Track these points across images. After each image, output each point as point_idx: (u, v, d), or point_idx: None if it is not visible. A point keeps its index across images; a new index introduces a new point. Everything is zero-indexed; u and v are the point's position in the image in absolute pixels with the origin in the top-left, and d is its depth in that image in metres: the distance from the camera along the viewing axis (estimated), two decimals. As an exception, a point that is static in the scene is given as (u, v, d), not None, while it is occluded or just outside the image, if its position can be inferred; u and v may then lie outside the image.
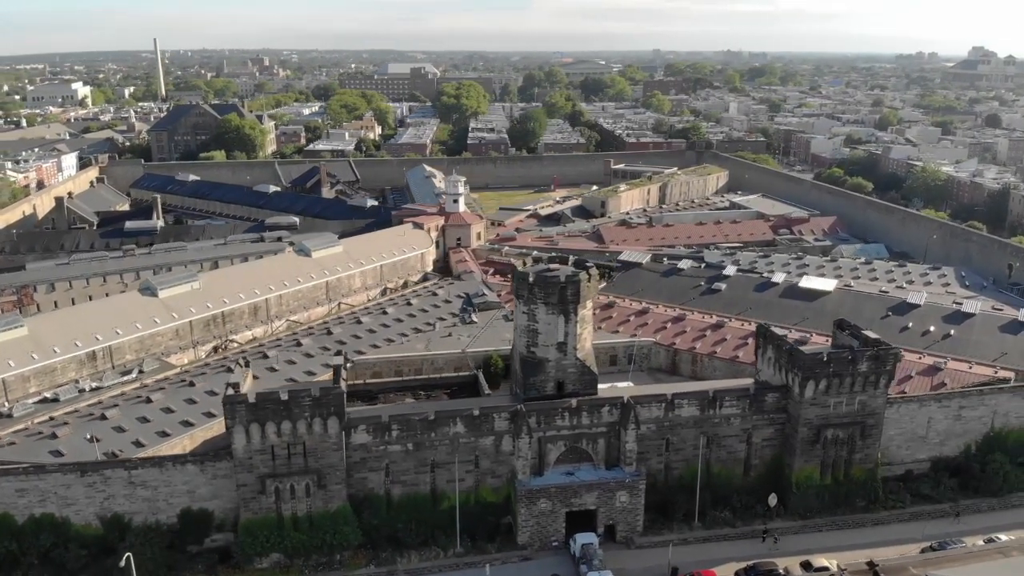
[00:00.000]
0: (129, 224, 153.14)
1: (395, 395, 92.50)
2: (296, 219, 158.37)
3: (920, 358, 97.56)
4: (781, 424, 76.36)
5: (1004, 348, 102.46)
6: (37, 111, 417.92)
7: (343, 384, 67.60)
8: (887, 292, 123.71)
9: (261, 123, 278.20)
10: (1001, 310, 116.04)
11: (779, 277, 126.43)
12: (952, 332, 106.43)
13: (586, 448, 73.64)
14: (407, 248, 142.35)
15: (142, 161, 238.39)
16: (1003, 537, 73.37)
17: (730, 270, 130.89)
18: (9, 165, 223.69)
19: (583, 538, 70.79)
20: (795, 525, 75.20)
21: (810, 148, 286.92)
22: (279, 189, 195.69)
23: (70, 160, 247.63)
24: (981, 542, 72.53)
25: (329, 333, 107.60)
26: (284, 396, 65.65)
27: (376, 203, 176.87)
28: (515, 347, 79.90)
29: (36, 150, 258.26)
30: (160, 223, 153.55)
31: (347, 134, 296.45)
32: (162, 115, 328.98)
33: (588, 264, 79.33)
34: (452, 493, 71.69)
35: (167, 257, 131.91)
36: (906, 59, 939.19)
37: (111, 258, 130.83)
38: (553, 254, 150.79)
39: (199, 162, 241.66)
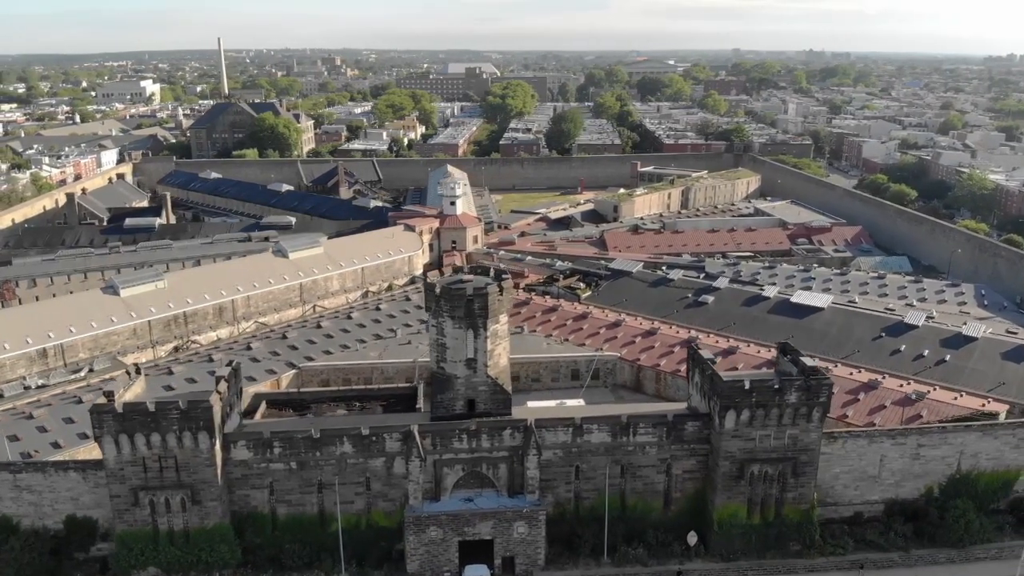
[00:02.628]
0: (129, 221, 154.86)
1: (328, 406, 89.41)
2: (292, 219, 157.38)
3: (902, 385, 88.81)
4: (704, 456, 69.73)
5: (1003, 377, 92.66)
6: (103, 107, 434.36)
7: (217, 397, 64.23)
8: (893, 310, 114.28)
9: (298, 122, 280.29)
10: (1016, 333, 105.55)
11: (771, 291, 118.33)
12: (947, 357, 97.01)
13: (487, 473, 68.65)
14: (393, 251, 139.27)
15: (173, 158, 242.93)
16: (951, 595, 65.39)
17: (721, 282, 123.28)
18: (46, 160, 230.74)
19: (472, 570, 66.01)
20: (716, 568, 68.50)
21: (862, 152, 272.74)
22: (292, 188, 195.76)
23: (110, 156, 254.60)
24: (928, 599, 64.75)
25: (284, 337, 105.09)
26: (151, 407, 62.86)
27: (380, 204, 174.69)
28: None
29: (83, 146, 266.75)
30: (159, 220, 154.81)
31: (384, 134, 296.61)
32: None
33: (504, 276, 74.19)
34: (341, 515, 67.80)
35: (151, 255, 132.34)
36: (995, 61, 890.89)
37: (96, 255, 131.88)
38: (548, 260, 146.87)
39: (228, 160, 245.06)
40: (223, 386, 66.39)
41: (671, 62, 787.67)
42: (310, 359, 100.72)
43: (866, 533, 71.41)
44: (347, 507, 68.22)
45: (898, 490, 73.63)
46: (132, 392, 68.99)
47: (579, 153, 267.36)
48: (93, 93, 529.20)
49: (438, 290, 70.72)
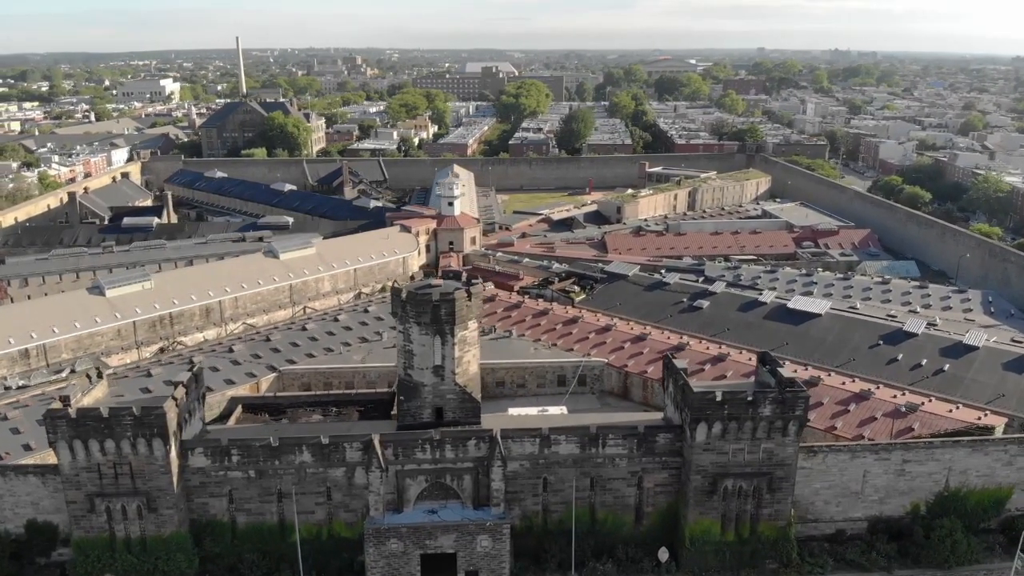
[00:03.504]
0: (127, 220, 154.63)
1: (304, 411, 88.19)
2: (289, 219, 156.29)
3: (895, 396, 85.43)
4: (677, 469, 67.26)
5: (1004, 389, 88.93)
6: (122, 106, 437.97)
7: (172, 403, 62.76)
8: (895, 316, 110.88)
9: (307, 121, 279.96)
10: (1021, 343, 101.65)
11: (768, 296, 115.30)
12: (946, 367, 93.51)
13: (451, 485, 66.65)
14: (387, 252, 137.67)
15: (182, 157, 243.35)
16: (933, 619, 62.51)
17: (718, 286, 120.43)
18: (56, 159, 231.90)
19: (433, 585, 64.17)
20: (687, 585, 66.11)
21: (878, 153, 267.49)
22: (294, 187, 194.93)
23: (121, 155, 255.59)
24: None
25: (267, 340, 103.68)
26: (105, 413, 61.57)
27: (380, 204, 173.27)
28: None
29: (95, 144, 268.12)
30: (156, 220, 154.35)
31: (395, 133, 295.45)
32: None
33: (476, 280, 72.21)
34: (301, 525, 66.21)
35: (144, 255, 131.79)
36: (1023, 61, 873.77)
37: (89, 254, 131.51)
38: (545, 262, 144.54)
39: (236, 159, 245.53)
40: (180, 392, 64.97)
41: (692, 61, 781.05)
42: (292, 362, 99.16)
43: (847, 552, 68.64)
44: (308, 517, 66.65)
45: (882, 507, 70.73)
46: (92, 396, 67.83)
47: (589, 153, 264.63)
48: (114, 92, 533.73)
49: (404, 295, 68.94)
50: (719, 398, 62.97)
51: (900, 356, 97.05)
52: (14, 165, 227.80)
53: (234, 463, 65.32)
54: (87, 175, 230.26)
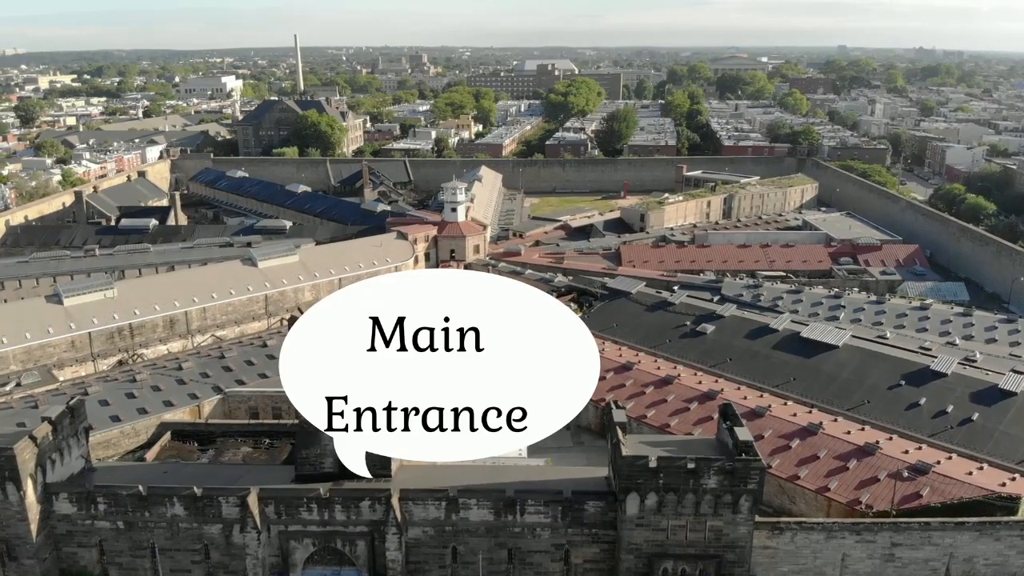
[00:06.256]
0: (124, 222, 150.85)
1: (234, 441, 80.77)
2: (287, 222, 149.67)
3: (907, 452, 72.91)
4: (610, 543, 56.61)
5: (1043, 446, 75.19)
6: (181, 102, 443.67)
7: (28, 443, 55.38)
8: (929, 349, 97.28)
9: (343, 120, 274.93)
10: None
11: (780, 322, 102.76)
12: (975, 416, 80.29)
13: (343, 550, 57.56)
14: (379, 260, 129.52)
15: (211, 155, 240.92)
16: None
17: (727, 309, 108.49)
18: (87, 156, 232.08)
19: (314, 667, 55.25)
20: None
21: (945, 158, 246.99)
22: (308, 188, 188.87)
23: (156, 152, 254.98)
24: None
25: (222, 356, 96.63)
26: (-50, 454, 54.65)
27: (387, 208, 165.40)
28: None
29: (136, 140, 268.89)
30: (154, 222, 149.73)
31: (433, 133, 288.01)
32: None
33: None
34: (177, 585, 58.24)
35: (125, 259, 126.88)
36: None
37: (71, 257, 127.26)
38: (549, 275, 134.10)
39: (264, 158, 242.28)
40: (44, 429, 57.59)
41: (763, 59, 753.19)
42: (241, 383, 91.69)
43: (817, 651, 56.87)
44: (184, 576, 58.59)
45: (867, 597, 58.58)
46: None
47: (629, 154, 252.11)
48: (178, 89, 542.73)
49: (305, 325, 59.89)
50: (652, 464, 52.15)
51: (923, 400, 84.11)
52: (48, 161, 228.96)
53: (101, 512, 57.83)
54: (120, 171, 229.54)
